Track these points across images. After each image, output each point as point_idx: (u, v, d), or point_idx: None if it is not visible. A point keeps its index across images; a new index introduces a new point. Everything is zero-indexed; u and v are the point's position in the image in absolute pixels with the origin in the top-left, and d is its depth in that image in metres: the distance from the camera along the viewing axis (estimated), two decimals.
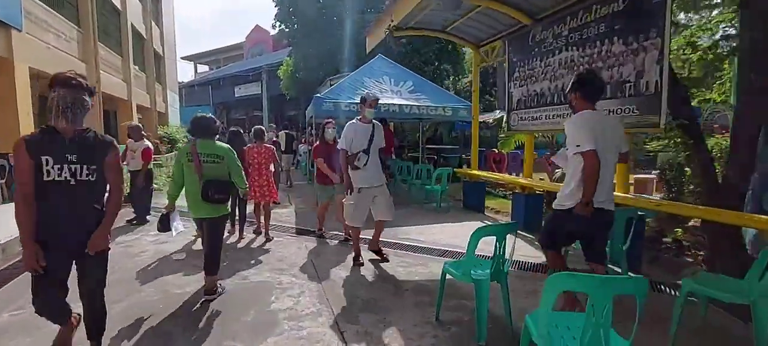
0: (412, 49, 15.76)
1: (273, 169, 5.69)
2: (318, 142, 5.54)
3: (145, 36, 18.76)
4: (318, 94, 7.98)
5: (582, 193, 2.63)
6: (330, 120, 5.58)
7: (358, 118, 4.43)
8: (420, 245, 5.36)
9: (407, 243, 5.41)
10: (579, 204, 2.64)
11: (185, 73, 54.12)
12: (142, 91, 18.02)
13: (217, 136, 3.69)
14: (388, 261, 4.61)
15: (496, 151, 11.04)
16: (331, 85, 10.37)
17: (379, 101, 8.36)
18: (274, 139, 9.70)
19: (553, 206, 2.94)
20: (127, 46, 15.57)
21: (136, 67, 17.33)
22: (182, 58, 56.14)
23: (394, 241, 5.46)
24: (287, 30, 19.42)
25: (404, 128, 16.12)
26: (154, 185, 9.05)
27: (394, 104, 8.13)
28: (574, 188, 2.72)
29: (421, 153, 12.34)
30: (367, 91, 7.37)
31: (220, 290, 3.68)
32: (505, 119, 6.50)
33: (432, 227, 6.31)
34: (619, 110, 4.44)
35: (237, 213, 5.65)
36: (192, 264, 4.53)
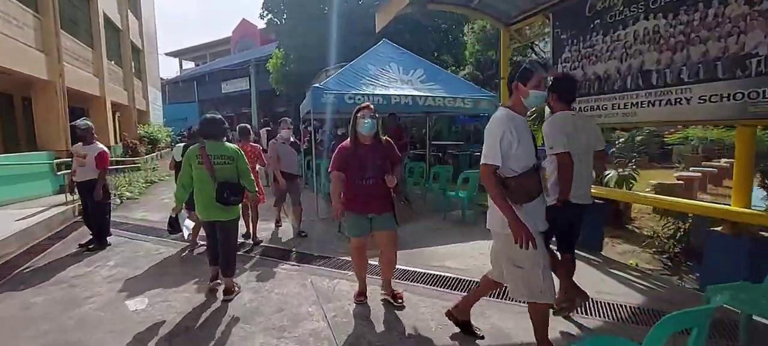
0: (411, 37, 14.52)
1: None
2: (341, 144, 3.34)
3: (120, 27, 17.20)
4: (316, 85, 6.67)
5: (559, 191, 2.82)
6: (367, 105, 3.32)
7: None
8: (456, 274, 4.15)
9: (438, 273, 4.20)
10: (558, 201, 2.82)
11: (170, 70, 52.15)
12: (119, 87, 16.50)
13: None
14: (403, 308, 3.39)
15: None
16: (328, 76, 9.06)
17: (388, 92, 7.20)
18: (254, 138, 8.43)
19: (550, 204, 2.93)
20: (99, 37, 14.05)
21: (112, 62, 15.80)
22: (166, 54, 54.38)
23: (418, 270, 4.25)
24: (276, 20, 17.98)
25: (405, 123, 14.88)
26: (116, 197, 7.67)
27: (405, 96, 6.87)
28: (553, 185, 2.90)
29: (428, 151, 11.12)
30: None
31: (237, 289, 3.68)
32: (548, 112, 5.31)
33: (462, 248, 5.08)
34: (740, 95, 3.25)
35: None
36: (170, 329, 3.26)
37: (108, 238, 5.41)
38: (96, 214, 5.21)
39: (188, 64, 48.76)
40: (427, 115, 10.93)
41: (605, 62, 4.56)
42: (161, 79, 33.28)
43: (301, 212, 5.83)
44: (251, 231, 5.42)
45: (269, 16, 17.84)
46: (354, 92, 6.68)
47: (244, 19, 40.62)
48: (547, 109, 3.39)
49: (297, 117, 23.00)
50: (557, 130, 2.78)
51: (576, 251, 3.19)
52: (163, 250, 5.23)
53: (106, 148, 5.23)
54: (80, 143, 5.13)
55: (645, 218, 6.66)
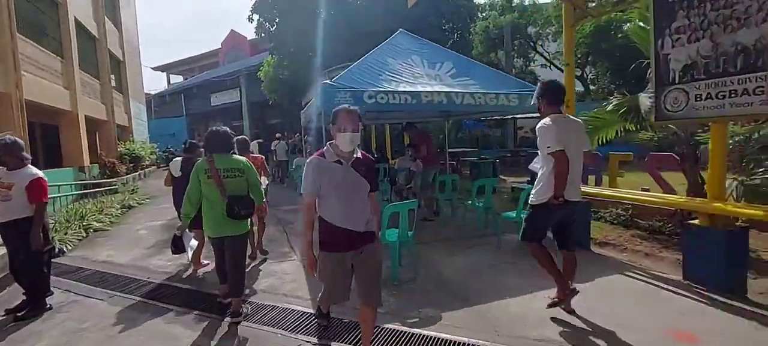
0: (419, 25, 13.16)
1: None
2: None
3: (96, 35, 15.68)
4: (327, 82, 5.23)
5: (553, 188, 2.94)
6: (346, 109, 2.47)
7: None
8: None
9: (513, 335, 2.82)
10: (552, 198, 2.94)
11: (158, 85, 50.54)
12: (95, 101, 14.92)
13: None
14: None
15: None
16: (332, 79, 7.65)
17: (416, 89, 5.81)
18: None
19: (530, 203, 3.18)
20: (70, 45, 12.52)
21: (86, 73, 14.26)
22: (153, 68, 52.96)
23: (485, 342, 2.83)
24: (267, 23, 16.55)
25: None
26: (56, 242, 5.92)
27: (438, 94, 5.48)
28: (547, 184, 3.00)
29: (447, 159, 9.75)
30: (340, 106, 4.81)
31: (246, 311, 3.49)
32: (653, 103, 3.91)
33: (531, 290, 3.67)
34: None
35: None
36: None
37: (47, 298, 3.88)
38: (28, 268, 3.69)
39: (176, 79, 47.26)
40: (445, 118, 9.54)
41: (745, 30, 3.18)
42: (147, 93, 31.77)
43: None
44: (257, 243, 5.12)
45: (259, 18, 16.38)
46: (374, 89, 5.27)
47: (232, 30, 39.33)
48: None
49: (292, 128, 21.76)
50: (551, 131, 2.92)
51: None
52: (123, 315, 3.71)
53: (41, 174, 3.71)
54: (2, 168, 3.62)
55: None
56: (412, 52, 6.51)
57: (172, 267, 5.02)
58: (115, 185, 11.93)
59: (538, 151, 3.10)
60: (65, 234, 6.68)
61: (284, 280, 4.38)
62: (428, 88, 5.58)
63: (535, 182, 3.16)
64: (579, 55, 21.33)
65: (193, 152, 4.76)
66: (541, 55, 22.21)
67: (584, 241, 5.26)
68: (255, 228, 4.97)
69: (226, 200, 3.23)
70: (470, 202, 6.18)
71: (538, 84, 3.34)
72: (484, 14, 21.08)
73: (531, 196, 3.19)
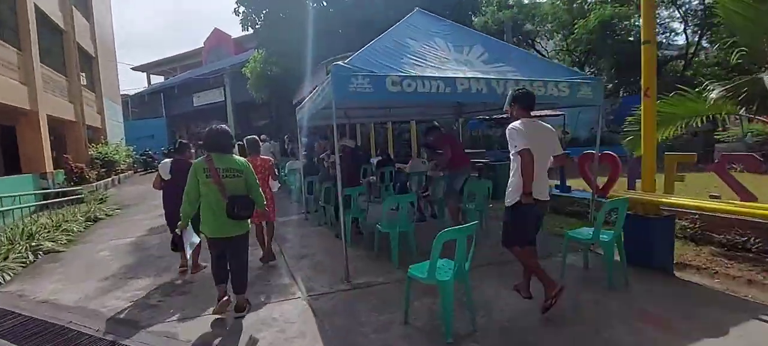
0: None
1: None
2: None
3: (63, 27, 14.18)
4: (340, 63, 4.03)
5: (522, 184, 3.06)
6: None
7: None
8: None
9: None
10: (523, 195, 3.06)
11: (139, 86, 48.47)
12: (61, 99, 13.43)
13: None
14: None
15: (593, 154, 7.21)
16: (328, 72, 6.42)
17: (452, 75, 4.66)
18: None
19: (506, 205, 3.27)
20: (29, 35, 11.07)
21: (50, 68, 12.77)
22: (133, 68, 50.75)
23: None
24: (253, 16, 15.21)
25: (439, 130, 12.41)
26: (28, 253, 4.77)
27: (477, 81, 4.34)
28: (517, 185, 3.12)
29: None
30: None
31: (249, 306, 3.51)
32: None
33: None
34: None
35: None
36: None
37: None
38: None
39: (158, 79, 45.35)
40: (458, 115, 8.42)
41: None
42: (125, 94, 30.04)
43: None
44: (265, 249, 4.89)
45: (244, 10, 15.05)
46: (399, 75, 4.10)
47: (216, 28, 37.67)
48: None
49: (281, 131, 20.42)
50: (519, 131, 3.11)
51: None
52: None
53: None
54: None
55: None
56: (434, 33, 5.35)
57: (133, 311, 3.77)
58: (80, 193, 10.49)
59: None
60: (5, 259, 5.36)
61: (287, 333, 3.17)
62: (459, 74, 4.44)
63: (508, 185, 3.28)
64: (579, 52, 20.67)
65: (182, 153, 4.61)
66: (539, 52, 21.39)
67: (668, 265, 4.20)
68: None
69: (227, 200, 3.17)
70: None
71: (510, 91, 3.51)
72: (483, 9, 20.14)
73: (505, 199, 3.28)
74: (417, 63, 4.52)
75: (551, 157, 3.36)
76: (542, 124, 3.38)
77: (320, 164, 7.74)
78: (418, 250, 4.58)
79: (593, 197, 5.74)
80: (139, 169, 20.12)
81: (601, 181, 7.29)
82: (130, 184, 15.79)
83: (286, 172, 11.16)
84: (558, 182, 7.71)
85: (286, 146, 13.49)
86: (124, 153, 17.45)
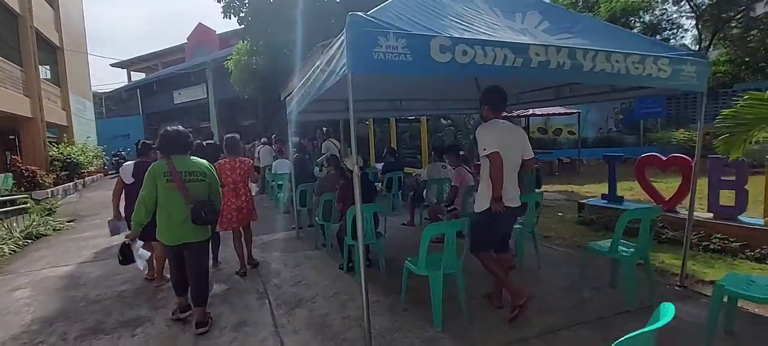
0: None
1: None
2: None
3: (18, 11, 12.43)
4: (360, 13, 2.55)
5: (492, 188, 2.92)
6: None
7: None
8: None
9: None
10: (492, 201, 2.93)
11: (121, 84, 46.17)
12: (14, 92, 11.68)
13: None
14: None
15: (663, 158, 5.84)
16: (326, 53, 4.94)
17: (522, 40, 3.20)
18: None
19: (474, 210, 3.14)
20: None
21: (1, 57, 11.05)
22: (112, 65, 48.44)
23: None
24: (237, 1, 13.62)
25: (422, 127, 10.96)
26: None
27: (556, 51, 2.92)
28: (486, 189, 2.99)
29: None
30: None
31: (211, 320, 3.30)
32: None
33: None
34: None
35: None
36: None
37: None
38: None
39: (139, 77, 43.25)
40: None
41: None
42: (99, 91, 28.17)
43: None
44: (246, 253, 4.56)
45: None
46: (451, 38, 2.66)
47: (200, 23, 35.87)
48: None
49: (268, 130, 18.81)
50: (488, 134, 2.98)
51: None
52: None
53: None
54: None
55: None
56: None
57: None
58: (26, 201, 8.80)
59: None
60: None
61: None
62: (532, 40, 3.02)
63: (478, 191, 3.16)
64: None
65: (147, 154, 4.25)
66: None
67: None
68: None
69: (191, 204, 3.01)
70: (599, 247, 3.61)
71: (482, 90, 3.28)
72: None
73: (474, 204, 3.18)
74: (464, 28, 3.08)
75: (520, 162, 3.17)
76: (513, 126, 3.28)
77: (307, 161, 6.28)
78: (470, 302, 3.18)
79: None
80: (110, 172, 18.32)
81: (663, 187, 6.02)
82: (98, 188, 14.05)
83: (270, 176, 9.65)
84: (606, 192, 6.33)
85: (272, 146, 11.92)
86: (91, 154, 15.67)
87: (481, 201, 3.05)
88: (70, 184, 12.88)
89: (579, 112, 13.78)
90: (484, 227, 3.09)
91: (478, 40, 2.70)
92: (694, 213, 3.92)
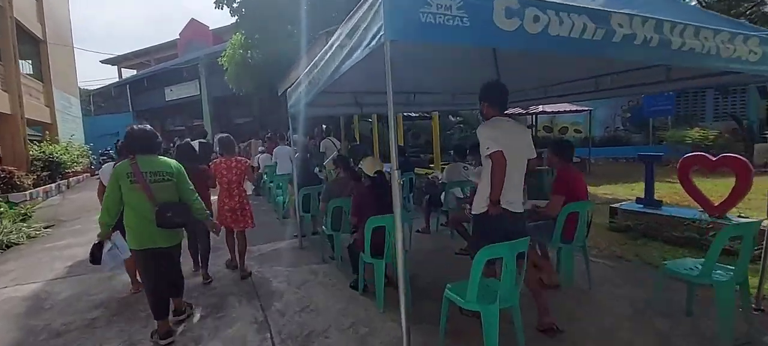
0: None
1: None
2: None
3: None
4: None
5: (490, 190, 2.71)
6: None
7: None
8: None
9: None
10: (489, 204, 2.73)
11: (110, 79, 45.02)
12: None
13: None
14: None
15: (712, 157, 5.19)
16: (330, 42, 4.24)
17: (603, 9, 2.60)
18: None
19: (473, 212, 2.94)
20: None
21: None
22: (102, 61, 47.37)
23: None
24: None
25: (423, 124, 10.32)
26: None
27: (643, 23, 2.30)
28: (484, 190, 2.80)
29: None
30: None
31: (189, 310, 3.41)
32: None
33: None
34: None
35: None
36: None
37: None
38: None
39: (130, 73, 42.22)
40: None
41: None
42: (87, 89, 27.32)
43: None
44: (238, 263, 4.35)
45: None
46: None
47: (193, 18, 34.96)
48: None
49: (265, 129, 18.01)
50: (490, 132, 2.77)
51: None
52: None
53: None
54: None
55: None
56: None
57: None
58: None
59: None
60: None
61: None
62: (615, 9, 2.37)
63: (478, 192, 2.91)
64: None
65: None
66: None
67: None
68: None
69: (157, 207, 2.87)
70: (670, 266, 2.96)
71: (482, 86, 2.95)
72: None
73: (473, 207, 2.93)
74: None
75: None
76: (516, 124, 3.06)
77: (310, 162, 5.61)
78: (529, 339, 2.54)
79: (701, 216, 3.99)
80: (96, 172, 17.49)
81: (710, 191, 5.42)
82: (83, 189, 13.27)
83: (266, 177, 8.98)
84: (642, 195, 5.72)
85: (264, 144, 11.20)
86: (77, 152, 14.85)
87: (479, 203, 2.85)
88: (53, 185, 12.08)
89: (590, 110, 13.16)
90: (482, 232, 2.90)
91: (552, 4, 2.04)
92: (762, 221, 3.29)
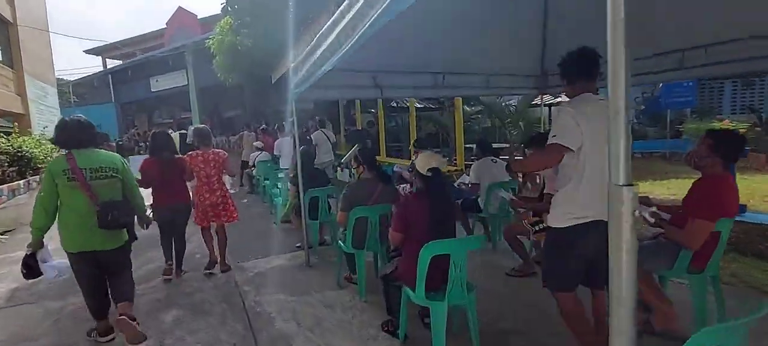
0: None
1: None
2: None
3: None
4: None
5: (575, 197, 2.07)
6: None
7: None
8: None
9: None
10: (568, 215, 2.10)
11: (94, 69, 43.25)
12: None
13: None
14: None
15: None
16: (336, 20, 3.17)
17: None
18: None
19: (549, 224, 2.23)
20: None
21: None
22: (86, 51, 45.51)
23: None
24: None
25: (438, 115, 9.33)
26: None
27: None
28: (565, 197, 2.14)
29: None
30: None
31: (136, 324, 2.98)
32: None
33: None
34: None
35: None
36: None
37: None
38: None
39: (115, 64, 40.59)
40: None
41: None
42: (64, 79, 25.89)
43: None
44: (219, 258, 4.19)
45: None
46: None
47: (180, 7, 33.53)
48: None
49: (258, 122, 16.76)
50: (571, 116, 2.03)
51: None
52: None
53: None
54: None
55: None
56: None
57: None
58: None
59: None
60: None
61: None
62: None
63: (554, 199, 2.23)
64: None
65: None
66: None
67: None
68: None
69: (98, 207, 2.62)
70: None
71: (564, 56, 2.21)
72: None
73: (549, 217, 2.23)
74: None
75: None
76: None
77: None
78: None
79: None
80: None
81: None
82: None
83: (259, 173, 7.93)
84: None
85: (257, 137, 10.04)
86: (50, 146, 13.57)
87: (558, 215, 2.19)
88: (21, 182, 10.86)
89: (605, 100, 12.21)
90: (562, 251, 2.20)
91: None
92: None
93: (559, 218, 2.18)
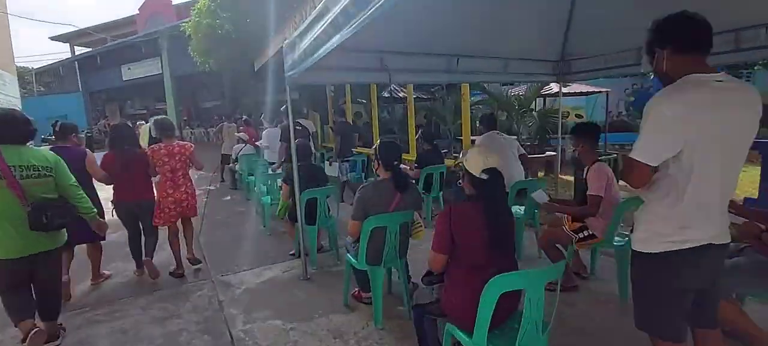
0: None
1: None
2: None
3: None
4: None
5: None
6: None
7: None
8: None
9: None
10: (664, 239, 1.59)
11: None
12: None
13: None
14: None
15: None
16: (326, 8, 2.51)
17: None
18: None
19: (635, 249, 1.69)
20: None
21: None
22: (52, 38, 43.05)
23: None
24: None
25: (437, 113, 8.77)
26: None
27: None
28: (656, 213, 1.63)
29: None
30: None
31: (63, 333, 2.85)
32: None
33: None
34: None
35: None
36: None
37: None
38: None
39: (83, 51, 38.51)
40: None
41: None
42: (24, 66, 24.35)
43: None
44: (186, 250, 3.96)
45: None
46: None
47: None
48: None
49: (234, 111, 15.84)
50: (672, 106, 1.51)
51: None
52: None
53: None
54: None
55: None
56: None
57: None
58: None
59: None
60: None
61: None
62: None
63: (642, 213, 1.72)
64: None
65: (66, 138, 3.51)
66: None
67: None
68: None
69: (29, 207, 2.43)
70: None
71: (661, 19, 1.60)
72: None
73: (636, 241, 1.69)
74: None
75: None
76: (738, 87, 1.57)
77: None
78: None
79: None
80: None
81: None
82: None
83: (242, 168, 7.25)
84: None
85: (239, 130, 9.20)
86: None
87: (645, 235, 1.66)
88: None
89: (608, 91, 11.90)
90: (658, 285, 1.65)
91: None
92: None
93: (646, 239, 1.67)
